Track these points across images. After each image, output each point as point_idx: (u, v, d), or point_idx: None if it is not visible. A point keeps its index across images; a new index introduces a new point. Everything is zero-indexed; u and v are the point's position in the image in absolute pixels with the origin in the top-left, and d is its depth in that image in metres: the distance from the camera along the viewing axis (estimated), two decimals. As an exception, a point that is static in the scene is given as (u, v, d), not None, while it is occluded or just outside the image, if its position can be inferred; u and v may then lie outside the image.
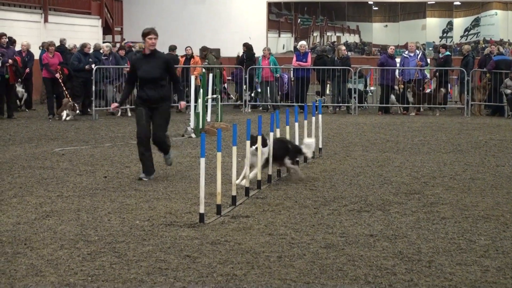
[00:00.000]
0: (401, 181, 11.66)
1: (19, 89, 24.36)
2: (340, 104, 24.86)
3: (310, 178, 11.92)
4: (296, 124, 12.93)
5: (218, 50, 38.47)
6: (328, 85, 25.86)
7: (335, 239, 8.02)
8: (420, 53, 25.08)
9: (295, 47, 37.97)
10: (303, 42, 27.06)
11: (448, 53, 25.87)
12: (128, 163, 13.40)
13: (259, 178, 10.99)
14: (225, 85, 27.06)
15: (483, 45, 40.26)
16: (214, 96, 20.01)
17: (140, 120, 11.70)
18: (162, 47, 25.81)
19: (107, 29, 37.98)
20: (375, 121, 21.85)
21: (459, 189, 11.02)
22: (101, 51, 24.29)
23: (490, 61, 24.09)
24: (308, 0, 43.78)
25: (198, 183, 9.63)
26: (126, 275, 6.74)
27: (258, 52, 26.82)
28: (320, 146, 14.70)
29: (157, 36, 11.66)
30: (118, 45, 27.96)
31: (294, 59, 25.44)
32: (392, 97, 24.54)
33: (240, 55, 27.31)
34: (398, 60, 25.37)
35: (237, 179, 10.18)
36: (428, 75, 25.51)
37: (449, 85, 26.41)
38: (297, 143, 12.89)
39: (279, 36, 43.90)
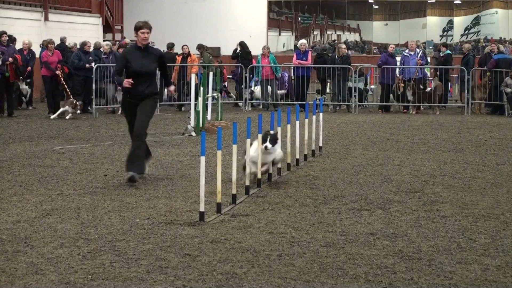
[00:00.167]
0: (401, 180, 11.66)
1: (23, 87, 24.37)
2: (341, 103, 24.86)
3: (310, 176, 11.92)
4: (297, 123, 12.93)
5: (218, 49, 38.55)
6: (328, 83, 25.88)
7: (335, 238, 8.03)
8: (421, 51, 25.11)
9: (295, 46, 37.97)
10: (303, 41, 27.09)
11: (448, 51, 25.89)
12: (128, 161, 13.39)
13: (259, 176, 10.99)
14: (225, 83, 27.07)
15: (484, 44, 40.29)
16: (214, 94, 20.01)
17: (129, 116, 11.31)
18: (162, 45, 25.93)
19: (107, 28, 37.99)
20: (375, 120, 21.85)
21: (459, 188, 11.02)
22: (101, 49, 24.30)
23: (490, 59, 24.12)
24: (309, -2, 43.84)
25: (198, 181, 9.62)
26: (126, 273, 6.74)
27: (258, 51, 26.82)
28: (320, 144, 14.70)
29: (150, 30, 11.21)
30: (118, 43, 27.96)
31: (295, 57, 25.45)
32: (391, 96, 24.59)
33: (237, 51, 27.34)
34: (398, 59, 25.38)
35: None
36: (428, 74, 25.52)
37: (449, 83, 26.43)
38: (297, 142, 12.89)
39: (280, 34, 43.94)
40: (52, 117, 21.34)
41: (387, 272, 6.81)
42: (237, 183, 9.86)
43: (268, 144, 10.85)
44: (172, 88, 12.15)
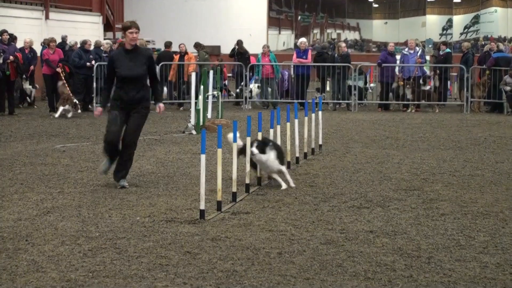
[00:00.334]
0: (400, 178, 11.69)
1: (27, 86, 24.37)
2: (340, 101, 24.88)
3: (310, 174, 11.94)
4: (296, 121, 12.96)
5: (218, 47, 38.58)
6: (328, 82, 25.89)
7: (335, 236, 8.06)
8: (420, 50, 25.12)
9: (295, 44, 37.97)
10: (303, 39, 27.09)
11: (448, 50, 25.88)
12: (128, 159, 13.41)
13: (258, 175, 11.02)
14: (226, 82, 27.06)
15: (483, 42, 40.27)
16: (214, 93, 20.03)
17: (113, 125, 10.60)
18: (162, 44, 25.93)
19: (108, 26, 37.95)
20: (374, 118, 21.87)
21: (458, 186, 11.05)
22: (102, 48, 24.32)
23: (489, 58, 24.13)
24: (308, -3, 43.83)
25: (198, 179, 9.66)
26: (127, 271, 6.77)
27: (258, 50, 26.82)
28: (320, 142, 14.73)
29: (138, 30, 10.62)
30: (118, 42, 27.95)
31: (295, 56, 25.45)
32: (390, 94, 24.62)
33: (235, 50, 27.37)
34: (398, 57, 25.39)
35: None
36: (428, 72, 25.53)
37: (448, 82, 26.44)
38: (297, 141, 12.92)
39: (280, 33, 43.92)
40: (56, 115, 21.29)
41: (386, 270, 6.85)
42: (237, 182, 9.91)
43: (253, 149, 10.55)
44: (161, 106, 11.04)
